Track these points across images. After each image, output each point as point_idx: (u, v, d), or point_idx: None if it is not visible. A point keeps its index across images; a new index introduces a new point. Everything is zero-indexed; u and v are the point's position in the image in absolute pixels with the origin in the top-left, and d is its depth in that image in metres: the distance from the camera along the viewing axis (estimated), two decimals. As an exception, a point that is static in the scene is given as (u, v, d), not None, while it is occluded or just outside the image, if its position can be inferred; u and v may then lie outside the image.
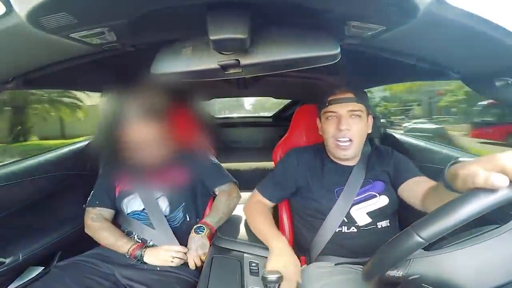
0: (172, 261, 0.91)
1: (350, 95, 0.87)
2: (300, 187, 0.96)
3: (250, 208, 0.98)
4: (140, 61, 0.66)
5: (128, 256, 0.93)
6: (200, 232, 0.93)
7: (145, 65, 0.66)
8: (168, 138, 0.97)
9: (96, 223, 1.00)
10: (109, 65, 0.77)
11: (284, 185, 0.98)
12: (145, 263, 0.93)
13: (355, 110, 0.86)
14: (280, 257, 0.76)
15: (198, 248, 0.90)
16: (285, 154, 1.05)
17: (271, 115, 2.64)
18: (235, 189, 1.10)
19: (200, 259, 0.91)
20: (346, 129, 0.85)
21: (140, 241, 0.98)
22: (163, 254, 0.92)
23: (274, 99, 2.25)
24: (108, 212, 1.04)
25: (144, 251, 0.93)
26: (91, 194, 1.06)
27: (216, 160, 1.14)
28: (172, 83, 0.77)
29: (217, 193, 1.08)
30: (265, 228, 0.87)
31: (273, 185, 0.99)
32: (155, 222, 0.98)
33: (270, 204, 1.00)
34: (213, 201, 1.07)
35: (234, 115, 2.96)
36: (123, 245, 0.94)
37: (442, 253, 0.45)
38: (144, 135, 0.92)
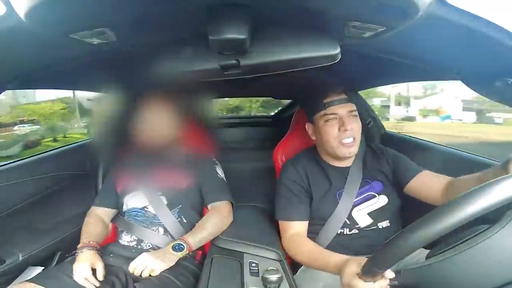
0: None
1: (346, 96, 0.88)
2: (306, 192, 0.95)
3: (291, 249, 0.87)
4: (143, 61, 0.66)
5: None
6: (177, 251, 0.85)
7: (149, 65, 0.66)
8: (180, 139, 0.99)
9: (86, 218, 1.03)
10: (110, 65, 0.77)
11: (302, 197, 0.93)
12: None
13: (353, 110, 0.88)
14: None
15: (152, 262, 0.80)
16: (281, 169, 1.02)
17: (271, 115, 2.64)
18: (228, 209, 1.02)
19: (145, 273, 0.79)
20: (351, 129, 0.86)
21: (135, 240, 0.97)
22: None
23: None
24: (109, 212, 1.06)
25: (76, 255, 0.87)
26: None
27: (223, 175, 1.10)
28: (185, 84, 0.78)
29: (209, 207, 1.03)
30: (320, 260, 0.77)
31: (292, 204, 0.92)
32: (162, 218, 0.98)
33: (305, 224, 0.92)
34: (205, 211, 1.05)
35: (234, 114, 2.95)
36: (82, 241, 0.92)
37: (437, 261, 0.44)
38: (158, 133, 0.95)
